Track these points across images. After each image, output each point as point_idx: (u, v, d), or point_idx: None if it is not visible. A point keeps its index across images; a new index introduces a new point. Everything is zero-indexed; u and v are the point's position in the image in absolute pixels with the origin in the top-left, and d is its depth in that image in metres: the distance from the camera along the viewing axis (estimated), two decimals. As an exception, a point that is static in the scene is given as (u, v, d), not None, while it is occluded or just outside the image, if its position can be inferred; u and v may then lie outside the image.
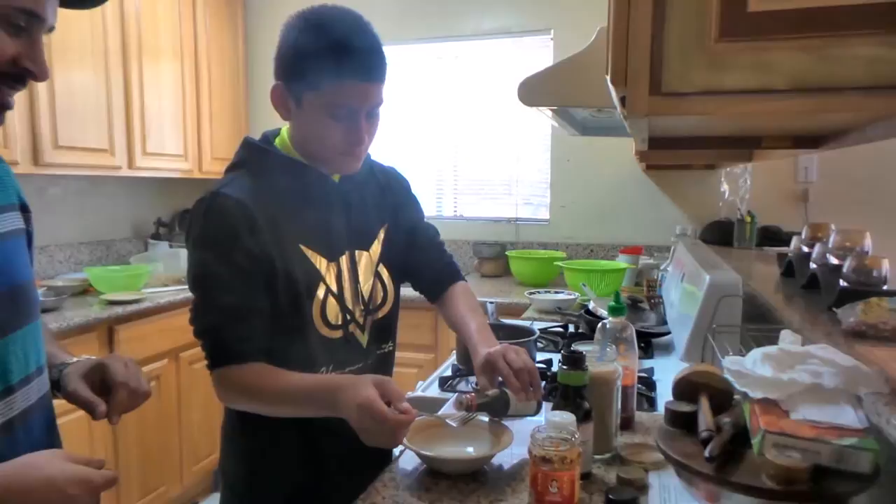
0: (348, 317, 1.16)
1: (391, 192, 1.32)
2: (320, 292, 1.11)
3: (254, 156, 1.14)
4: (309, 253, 1.11)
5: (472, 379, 1.48)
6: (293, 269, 1.08)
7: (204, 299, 1.05)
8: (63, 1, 0.80)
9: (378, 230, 1.25)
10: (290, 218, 1.10)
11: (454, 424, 1.11)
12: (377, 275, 1.23)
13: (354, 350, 1.17)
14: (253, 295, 1.04)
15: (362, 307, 1.19)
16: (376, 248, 1.24)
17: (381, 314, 1.23)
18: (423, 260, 1.34)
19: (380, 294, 1.23)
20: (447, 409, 1.32)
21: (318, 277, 1.11)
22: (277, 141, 1.17)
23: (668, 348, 1.79)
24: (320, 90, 1.05)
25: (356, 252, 1.19)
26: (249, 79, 3.65)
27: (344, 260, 1.16)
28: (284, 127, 1.18)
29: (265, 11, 3.57)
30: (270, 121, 1.20)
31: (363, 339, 1.19)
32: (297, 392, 1.03)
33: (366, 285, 1.20)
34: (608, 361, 1.11)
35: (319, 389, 1.01)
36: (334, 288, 1.14)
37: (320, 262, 1.12)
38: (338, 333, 1.14)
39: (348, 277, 1.17)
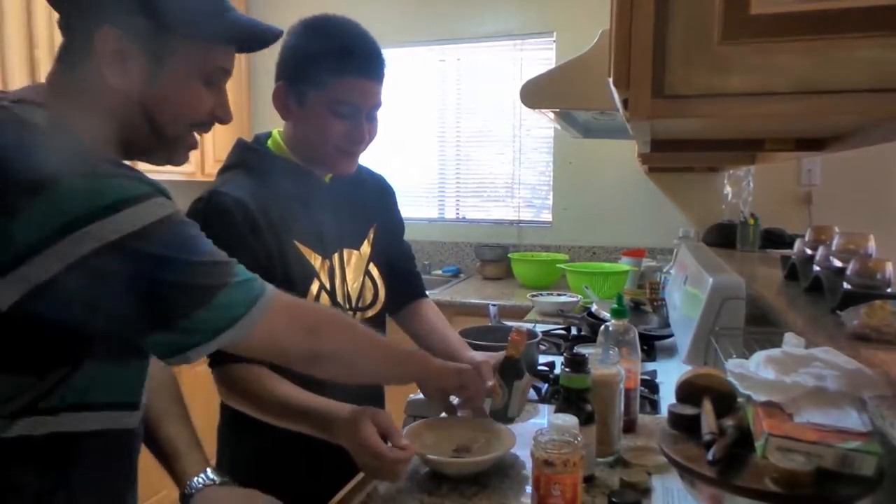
0: None
1: (383, 196, 1.37)
2: (314, 288, 1.14)
3: (247, 156, 1.17)
4: (304, 250, 1.14)
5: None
6: (290, 266, 1.11)
7: None
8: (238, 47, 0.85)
9: (368, 230, 1.29)
10: (285, 215, 1.12)
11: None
12: (368, 273, 1.26)
13: None
14: None
15: (349, 305, 1.21)
16: (366, 247, 1.27)
17: (370, 313, 1.26)
18: (396, 270, 1.36)
19: (370, 292, 1.26)
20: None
21: (312, 274, 1.14)
22: (269, 143, 1.20)
23: (670, 351, 1.79)
24: (324, 88, 1.09)
25: (345, 251, 1.22)
26: (251, 81, 3.66)
27: (336, 258, 1.19)
28: (276, 130, 1.21)
29: (267, 15, 3.58)
30: (272, 123, 1.21)
31: None
32: (295, 409, 1.03)
33: (354, 283, 1.23)
34: (611, 364, 1.11)
35: (317, 414, 1.02)
36: (327, 285, 1.16)
37: (315, 259, 1.15)
38: None
39: (339, 275, 1.19)
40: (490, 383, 1.14)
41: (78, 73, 0.76)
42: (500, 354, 1.18)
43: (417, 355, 1.08)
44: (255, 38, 0.86)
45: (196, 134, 0.85)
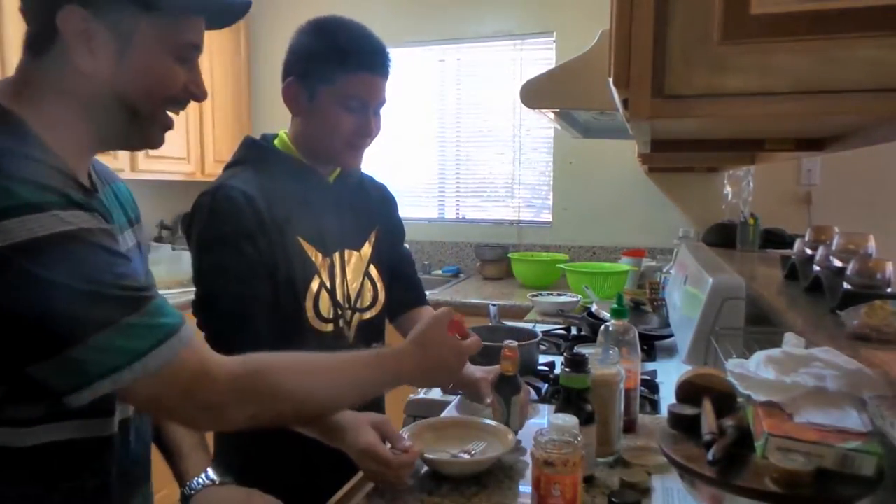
0: (339, 311, 1.20)
1: (385, 203, 1.39)
2: (314, 285, 1.15)
3: (255, 153, 1.19)
4: (306, 246, 1.16)
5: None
6: (292, 261, 1.12)
7: (210, 294, 1.08)
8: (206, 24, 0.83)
9: (369, 233, 1.30)
10: (290, 211, 1.14)
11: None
12: (367, 275, 1.28)
13: (343, 346, 1.20)
14: (258, 289, 1.07)
15: (348, 305, 1.22)
16: (367, 249, 1.29)
17: (369, 315, 1.27)
18: (396, 275, 1.38)
19: (369, 293, 1.27)
20: (450, 412, 1.32)
21: (313, 270, 1.16)
22: (276, 142, 1.22)
23: (670, 351, 1.79)
24: (335, 83, 1.13)
25: (346, 251, 1.24)
26: (252, 81, 3.66)
27: (336, 256, 1.21)
28: (282, 130, 1.23)
29: (267, 15, 3.58)
30: (273, 123, 1.22)
31: (350, 336, 1.23)
32: None
33: (354, 284, 1.24)
34: (611, 364, 1.11)
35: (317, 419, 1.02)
36: (328, 283, 1.18)
37: (316, 256, 1.17)
38: (329, 327, 1.18)
39: (339, 274, 1.21)
40: (488, 400, 1.16)
41: (45, 61, 0.73)
42: (497, 369, 1.18)
43: (386, 350, 0.97)
44: (223, 9, 0.83)
45: (171, 114, 0.82)
